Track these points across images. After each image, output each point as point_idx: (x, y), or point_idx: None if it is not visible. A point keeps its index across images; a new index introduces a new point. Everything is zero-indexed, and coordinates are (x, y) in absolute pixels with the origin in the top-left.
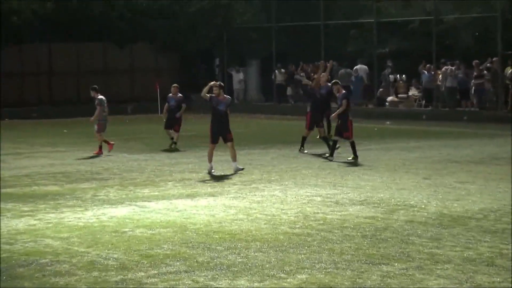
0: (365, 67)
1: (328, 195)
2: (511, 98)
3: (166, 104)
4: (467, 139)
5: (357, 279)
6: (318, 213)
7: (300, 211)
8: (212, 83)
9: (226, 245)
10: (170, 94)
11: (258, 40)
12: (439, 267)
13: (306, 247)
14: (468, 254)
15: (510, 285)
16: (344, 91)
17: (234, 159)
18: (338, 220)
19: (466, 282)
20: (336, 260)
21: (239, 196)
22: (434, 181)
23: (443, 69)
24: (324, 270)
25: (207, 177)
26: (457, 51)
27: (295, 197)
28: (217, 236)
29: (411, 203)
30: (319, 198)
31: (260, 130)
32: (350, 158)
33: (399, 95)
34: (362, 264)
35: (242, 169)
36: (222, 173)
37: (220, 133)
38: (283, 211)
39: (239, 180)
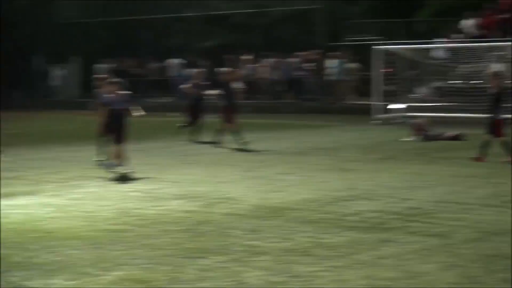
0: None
1: (148, 190)
2: (336, 90)
3: None
4: (288, 131)
5: (174, 274)
6: (137, 208)
7: (119, 207)
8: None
9: (42, 244)
10: None
11: (80, 35)
12: (256, 259)
13: (124, 243)
14: (286, 245)
15: (326, 273)
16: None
17: (120, 161)
18: (157, 215)
19: (283, 273)
20: (154, 255)
21: (57, 194)
22: (255, 173)
23: (264, 61)
24: (141, 266)
25: (24, 175)
26: (281, 43)
27: (115, 193)
28: (32, 235)
29: (231, 196)
30: (138, 194)
31: (82, 127)
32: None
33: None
34: (180, 258)
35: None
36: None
37: (113, 132)
38: (102, 208)
39: (57, 178)
